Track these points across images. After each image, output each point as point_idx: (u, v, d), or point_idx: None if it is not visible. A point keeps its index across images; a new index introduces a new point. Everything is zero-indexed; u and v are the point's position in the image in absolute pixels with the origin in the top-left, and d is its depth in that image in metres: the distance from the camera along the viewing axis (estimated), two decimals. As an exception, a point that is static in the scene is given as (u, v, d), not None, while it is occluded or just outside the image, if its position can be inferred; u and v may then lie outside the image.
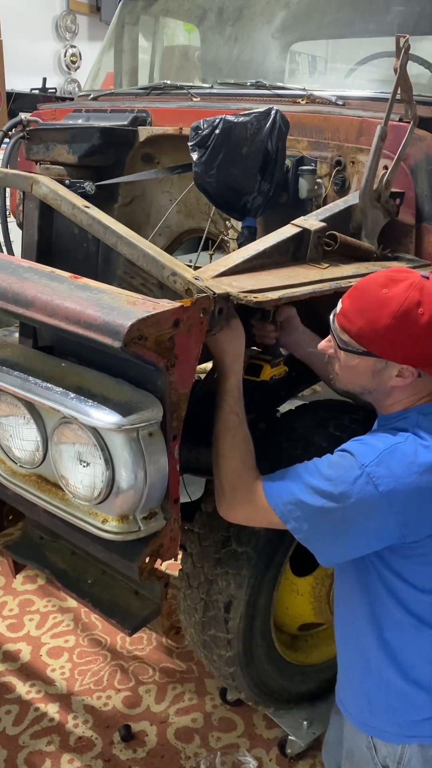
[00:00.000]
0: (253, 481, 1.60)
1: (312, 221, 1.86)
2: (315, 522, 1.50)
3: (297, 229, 1.82)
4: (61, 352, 1.58)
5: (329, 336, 1.59)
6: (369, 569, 1.59)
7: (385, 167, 2.02)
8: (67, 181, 2.24)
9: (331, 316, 1.57)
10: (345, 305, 1.53)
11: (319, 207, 2.17)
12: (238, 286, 1.53)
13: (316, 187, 2.14)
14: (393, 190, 2.00)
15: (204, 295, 1.37)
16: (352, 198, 1.99)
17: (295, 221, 1.85)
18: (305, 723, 2.38)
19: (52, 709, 2.54)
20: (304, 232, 1.82)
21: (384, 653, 1.62)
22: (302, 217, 1.89)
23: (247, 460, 1.63)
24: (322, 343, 1.63)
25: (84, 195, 2.16)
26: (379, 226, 2.01)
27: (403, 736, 1.66)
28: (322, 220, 1.87)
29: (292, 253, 1.83)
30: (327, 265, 1.82)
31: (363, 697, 1.68)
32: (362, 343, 1.50)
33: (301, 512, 1.50)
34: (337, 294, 1.63)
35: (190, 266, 1.55)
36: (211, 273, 1.58)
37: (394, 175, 1.97)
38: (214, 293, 1.40)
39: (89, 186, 2.22)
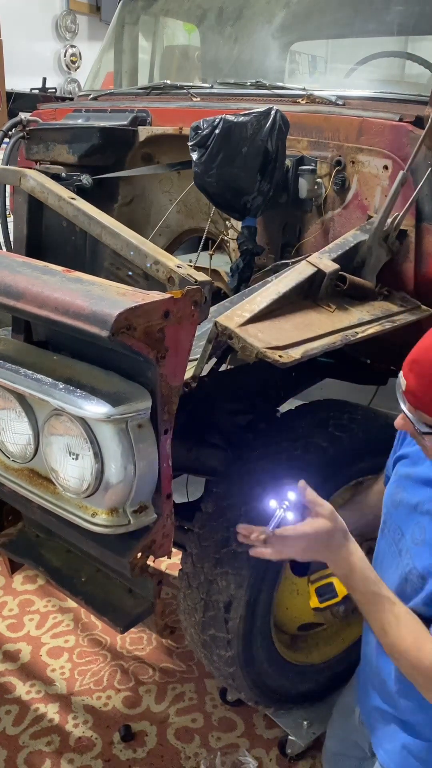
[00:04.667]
0: None
1: (326, 262, 1.87)
2: None
3: (313, 269, 1.83)
4: (55, 347, 1.58)
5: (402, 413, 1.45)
6: None
7: (385, 167, 2.02)
8: (63, 174, 2.25)
9: (398, 394, 1.43)
10: (410, 384, 1.38)
11: (319, 207, 2.17)
12: (264, 339, 1.56)
13: (316, 187, 2.14)
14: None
15: (195, 287, 1.37)
16: (361, 233, 1.98)
17: (310, 259, 1.86)
18: (305, 723, 2.36)
19: (52, 709, 2.53)
20: (318, 274, 1.83)
21: None
22: (317, 254, 1.89)
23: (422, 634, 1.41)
24: (398, 421, 1.48)
25: (81, 189, 2.17)
26: (380, 263, 2.01)
27: None
28: (334, 260, 1.89)
29: (306, 291, 1.85)
30: (334, 307, 1.85)
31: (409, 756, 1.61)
32: None
33: None
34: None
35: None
36: (237, 320, 1.59)
37: (404, 218, 1.97)
38: (196, 280, 1.41)
39: (86, 179, 2.22)
